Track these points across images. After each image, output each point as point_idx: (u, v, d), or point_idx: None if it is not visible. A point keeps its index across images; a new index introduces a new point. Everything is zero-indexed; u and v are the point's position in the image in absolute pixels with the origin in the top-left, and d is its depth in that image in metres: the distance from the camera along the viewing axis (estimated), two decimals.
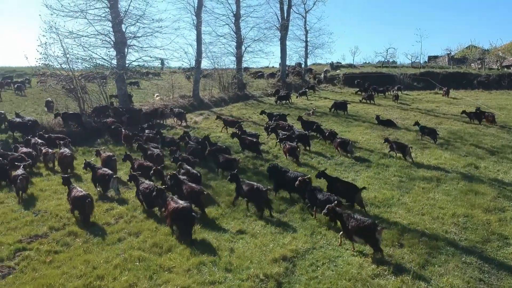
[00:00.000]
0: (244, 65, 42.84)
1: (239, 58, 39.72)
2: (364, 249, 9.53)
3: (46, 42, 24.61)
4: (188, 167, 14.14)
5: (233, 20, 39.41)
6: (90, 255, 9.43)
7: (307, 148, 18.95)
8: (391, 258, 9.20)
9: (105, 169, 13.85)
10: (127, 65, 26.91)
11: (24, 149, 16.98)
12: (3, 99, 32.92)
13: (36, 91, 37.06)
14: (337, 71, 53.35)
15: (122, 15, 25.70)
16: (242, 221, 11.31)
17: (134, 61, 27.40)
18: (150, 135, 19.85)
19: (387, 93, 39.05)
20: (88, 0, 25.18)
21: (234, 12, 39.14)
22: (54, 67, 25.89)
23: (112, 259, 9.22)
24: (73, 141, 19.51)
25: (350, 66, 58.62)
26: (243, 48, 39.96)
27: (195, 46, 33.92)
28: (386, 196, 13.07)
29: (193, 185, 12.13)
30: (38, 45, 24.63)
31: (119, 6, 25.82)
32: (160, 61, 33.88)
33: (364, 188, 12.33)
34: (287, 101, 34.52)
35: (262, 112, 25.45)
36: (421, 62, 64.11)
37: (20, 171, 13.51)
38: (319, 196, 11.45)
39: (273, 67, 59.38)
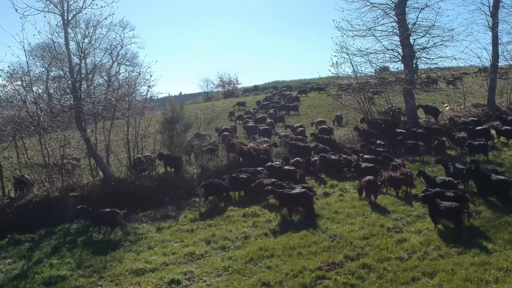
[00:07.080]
0: None
1: None
2: None
3: (337, 62, 27.06)
4: None
5: None
6: None
7: None
8: None
9: None
10: (415, 78, 26.11)
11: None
12: (300, 113, 37.88)
13: (327, 103, 39.93)
14: None
15: (410, 27, 25.14)
16: None
17: (422, 73, 26.46)
18: None
19: None
20: (377, 18, 26.01)
21: None
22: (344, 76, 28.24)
23: None
24: None
25: None
26: None
27: (490, 50, 30.22)
28: None
29: None
30: (330, 65, 27.04)
31: (407, 19, 25.44)
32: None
33: None
34: None
35: None
36: None
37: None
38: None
39: None
